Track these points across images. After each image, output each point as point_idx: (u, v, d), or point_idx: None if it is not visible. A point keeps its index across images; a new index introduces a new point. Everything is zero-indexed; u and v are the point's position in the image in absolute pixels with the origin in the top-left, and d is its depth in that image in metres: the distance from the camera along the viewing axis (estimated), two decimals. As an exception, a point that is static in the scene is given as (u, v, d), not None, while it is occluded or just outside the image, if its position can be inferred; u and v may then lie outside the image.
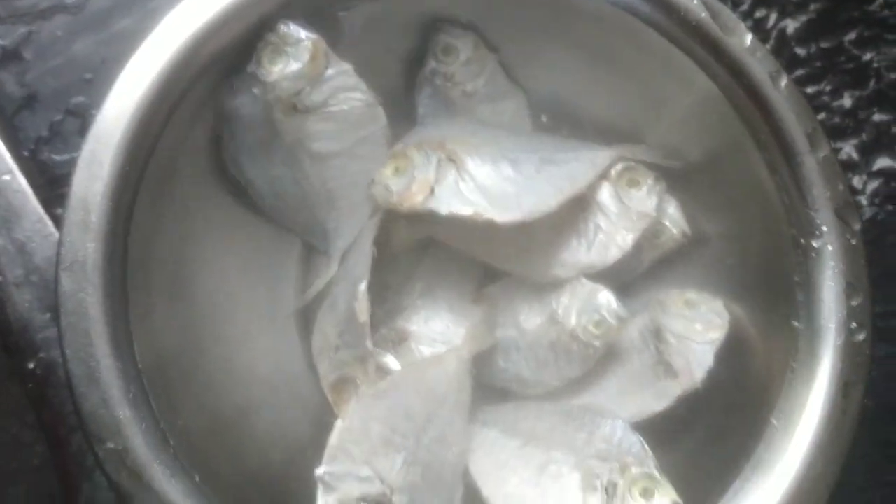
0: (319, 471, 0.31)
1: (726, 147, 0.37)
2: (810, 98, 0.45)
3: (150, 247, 0.33)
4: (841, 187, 0.34)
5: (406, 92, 0.39)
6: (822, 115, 0.45)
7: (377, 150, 0.36)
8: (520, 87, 0.40)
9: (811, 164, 0.34)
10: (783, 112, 0.35)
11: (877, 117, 0.46)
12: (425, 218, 0.34)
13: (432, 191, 0.34)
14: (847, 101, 0.46)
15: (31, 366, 0.37)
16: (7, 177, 0.39)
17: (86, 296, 0.30)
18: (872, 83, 0.46)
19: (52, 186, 0.40)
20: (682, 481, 0.33)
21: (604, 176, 0.37)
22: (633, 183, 0.37)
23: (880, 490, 0.42)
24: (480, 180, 0.34)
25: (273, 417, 0.36)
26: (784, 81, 0.35)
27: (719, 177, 0.38)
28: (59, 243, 0.30)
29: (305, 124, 0.35)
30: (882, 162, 0.45)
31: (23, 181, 0.39)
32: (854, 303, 0.33)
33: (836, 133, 0.45)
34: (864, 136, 0.45)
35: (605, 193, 0.37)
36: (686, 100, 0.37)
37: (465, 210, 0.33)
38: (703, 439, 0.35)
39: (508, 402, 0.37)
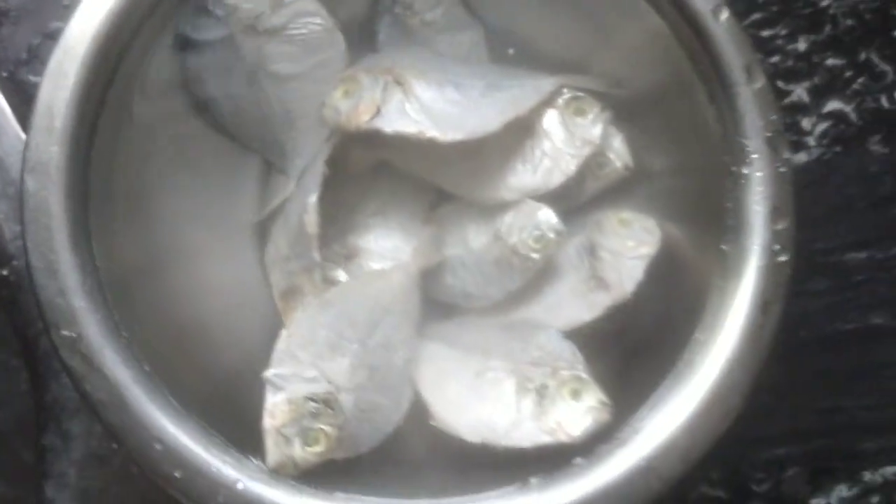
0: (267, 373, 0.33)
1: (670, 80, 0.38)
2: (765, 41, 0.47)
3: (111, 158, 0.34)
4: (773, 118, 0.36)
5: (367, 20, 0.40)
6: (776, 58, 0.47)
7: (334, 73, 0.38)
8: (477, 20, 0.41)
9: (746, 94, 0.36)
10: (722, 45, 0.36)
11: (830, 62, 0.47)
12: (373, 138, 0.36)
13: (379, 111, 0.35)
14: (801, 45, 0.47)
15: (5, 272, 0.40)
16: (-16, 96, 0.41)
17: (48, 194, 0.32)
18: (828, 28, 0.47)
19: (30, 106, 0.42)
20: (611, 388, 0.35)
21: (550, 104, 0.38)
22: (580, 111, 0.38)
23: (810, 415, 0.44)
24: (425, 102, 0.36)
25: (227, 324, 0.38)
26: (724, 15, 0.36)
27: (664, 111, 0.39)
28: (25, 147, 0.32)
29: (266, 46, 0.37)
30: (832, 105, 0.47)
31: (1, 101, 0.41)
32: (779, 227, 0.35)
33: (788, 75, 0.47)
34: (816, 80, 0.47)
35: (552, 120, 0.38)
36: (632, 33, 0.39)
37: (409, 128, 0.35)
38: (633, 351, 0.37)
39: (452, 319, 0.39)
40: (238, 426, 0.33)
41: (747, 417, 0.43)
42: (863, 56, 0.47)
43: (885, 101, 0.47)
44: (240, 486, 0.30)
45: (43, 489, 0.38)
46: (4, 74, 0.42)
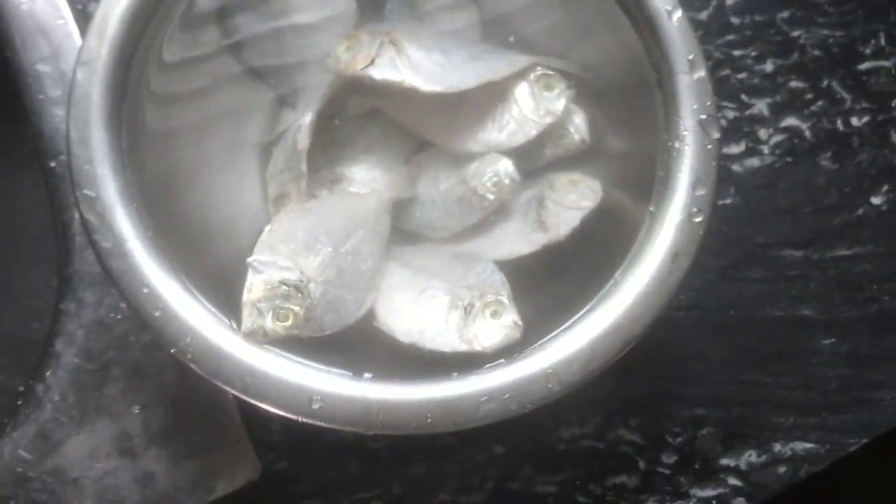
0: (250, 259, 0.39)
1: (630, 70, 0.44)
2: (735, 59, 0.53)
3: (146, 71, 0.42)
4: (708, 103, 0.41)
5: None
6: (742, 75, 0.53)
7: (344, 29, 0.44)
8: (475, 6, 0.48)
9: (686, 81, 0.41)
10: (672, 39, 0.42)
11: (793, 84, 0.53)
12: (366, 84, 0.42)
13: (372, 62, 0.41)
14: (769, 67, 0.53)
15: (53, 164, 0.48)
16: (61, 21, 0.49)
17: (92, 85, 0.39)
18: (795, 55, 0.53)
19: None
20: (534, 316, 0.40)
21: (523, 77, 0.44)
22: (548, 87, 0.44)
23: (732, 385, 0.49)
24: (414, 60, 0.42)
25: (227, 226, 0.44)
26: (677, 15, 0.42)
27: (622, 98, 0.45)
28: (80, 47, 0.40)
29: (291, -1, 0.45)
30: (789, 121, 0.52)
31: (73, 27, 0.49)
32: (698, 193, 0.40)
33: (752, 91, 0.52)
34: (777, 98, 0.52)
35: (522, 91, 0.44)
36: (604, 29, 0.45)
37: (394, 77, 0.41)
38: (563, 288, 0.42)
39: (413, 245, 0.45)
40: (219, 298, 0.38)
41: (675, 379, 0.48)
42: (825, 83, 0.52)
43: (840, 124, 0.52)
44: (205, 332, 0.37)
45: (53, 343, 0.45)
46: (79, 7, 0.50)
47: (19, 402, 0.44)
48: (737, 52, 0.53)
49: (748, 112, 0.52)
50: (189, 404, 0.45)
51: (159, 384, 0.45)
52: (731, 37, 0.53)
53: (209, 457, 0.44)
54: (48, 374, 0.44)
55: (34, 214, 0.60)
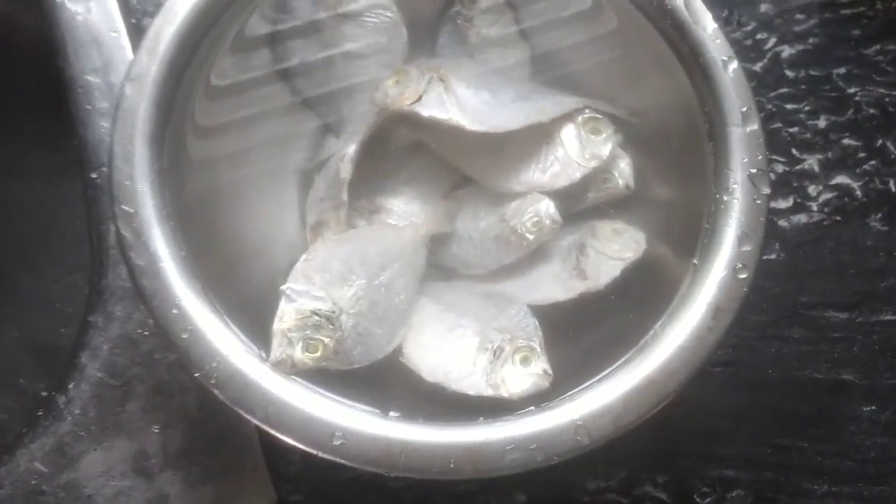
0: (284, 286, 0.39)
1: (680, 118, 0.43)
2: (788, 113, 0.52)
3: (195, 92, 0.42)
4: (759, 157, 0.40)
5: (432, 24, 0.47)
6: (794, 129, 0.51)
7: (394, 61, 0.44)
8: (526, 43, 0.47)
9: (738, 134, 0.41)
10: (726, 91, 0.41)
11: (846, 141, 0.51)
12: (412, 120, 0.42)
13: (420, 98, 0.41)
14: (822, 123, 0.52)
15: (94, 175, 0.48)
16: (114, 34, 0.50)
17: (139, 101, 0.39)
18: (850, 112, 0.52)
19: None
20: (566, 364, 0.39)
21: (571, 119, 0.44)
22: (595, 130, 0.44)
23: (765, 447, 0.47)
24: (461, 98, 0.42)
25: (263, 250, 0.44)
26: (733, 66, 0.42)
27: (670, 147, 0.44)
28: (131, 63, 0.40)
29: (342, 26, 0.44)
30: (840, 178, 0.51)
31: (125, 40, 0.50)
32: (744, 248, 0.39)
33: (804, 146, 0.51)
34: (829, 154, 0.51)
35: (569, 133, 0.44)
36: (657, 76, 0.44)
37: (441, 115, 0.41)
38: (599, 340, 0.42)
39: (446, 281, 0.45)
40: (249, 324, 0.38)
41: (706, 436, 0.47)
42: (879, 142, 0.51)
43: (892, 185, 0.51)
44: (232, 358, 0.36)
45: (79, 356, 0.45)
46: (133, 21, 0.51)
47: (39, 413, 0.44)
48: (790, 106, 0.51)
49: (798, 167, 0.51)
50: (209, 428, 0.44)
51: (181, 405, 0.44)
52: (784, 90, 0.52)
53: (225, 483, 0.43)
54: (71, 385, 0.44)
55: (72, 221, 0.61)
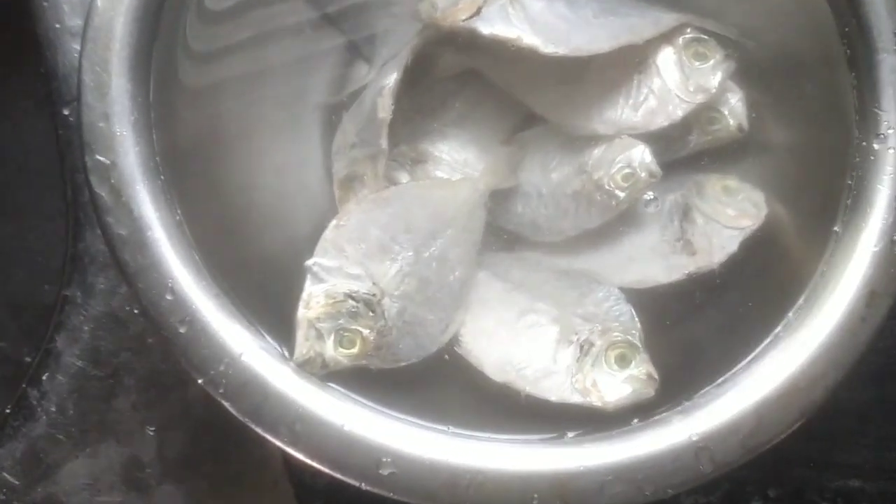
0: (310, 262, 0.31)
1: (809, 40, 0.36)
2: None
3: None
4: (921, 93, 0.32)
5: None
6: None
7: (442, -35, 0.36)
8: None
9: (892, 63, 0.33)
10: (873, 5, 0.33)
11: None
12: (467, 40, 0.34)
13: (479, 11, 0.34)
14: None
15: (66, 112, 0.40)
16: (86, -68, 0.40)
17: (115, 14, 0.30)
18: None
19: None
20: (674, 362, 0.32)
21: (669, 40, 0.36)
22: (700, 56, 0.36)
23: (894, 454, 0.40)
24: (531, 11, 0.34)
25: (278, 207, 0.37)
26: (880, -27, 0.33)
27: (795, 77, 0.37)
28: (104, -36, 0.31)
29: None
30: None
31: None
32: (903, 212, 0.31)
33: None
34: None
35: (667, 59, 0.36)
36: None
37: (507, 33, 0.33)
38: (710, 331, 0.34)
39: (511, 252, 0.37)
40: (266, 311, 0.30)
41: (826, 439, 0.40)
42: None
43: None
44: (245, 358, 0.28)
45: (54, 339, 0.37)
46: (109, -83, 0.41)
47: (7, 410, 0.36)
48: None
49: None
50: (217, 430, 0.37)
51: (181, 400, 0.38)
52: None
53: (237, 499, 0.36)
54: (45, 377, 0.37)
55: (48, 164, 0.54)
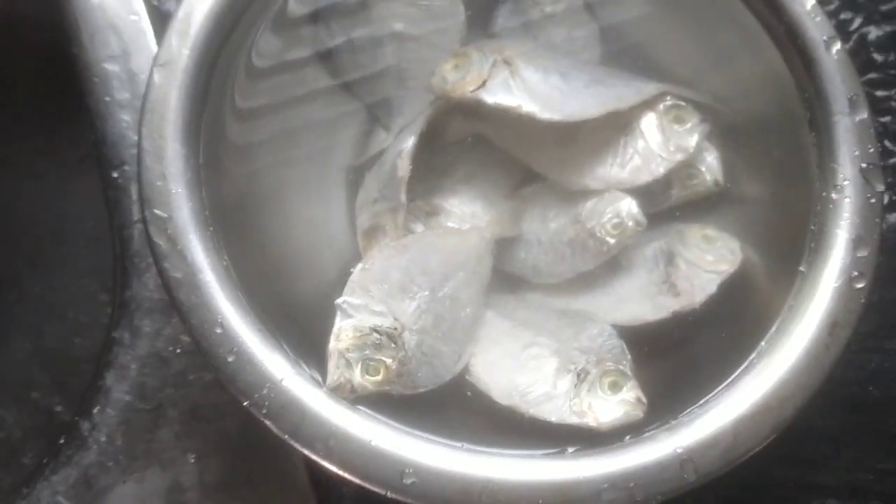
0: (339, 300, 0.35)
1: (775, 106, 0.39)
2: (878, 100, 0.47)
3: (231, 78, 0.37)
4: (871, 150, 0.36)
5: (489, 3, 0.43)
6: (886, 119, 0.47)
7: (450, 43, 0.40)
8: (595, 20, 0.43)
9: (846, 124, 0.37)
10: (830, 74, 0.37)
11: (944, 131, 0.47)
12: (474, 108, 0.38)
13: (484, 84, 0.37)
14: (915, 111, 0.47)
15: (115, 175, 0.43)
16: (134, 17, 0.45)
17: (170, 89, 0.34)
18: (945, 99, 0.47)
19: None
20: (658, 390, 0.35)
21: (651, 107, 0.40)
22: (679, 119, 0.40)
23: (868, 474, 0.43)
24: (530, 82, 0.38)
25: (308, 257, 0.40)
26: (837, 47, 0.37)
27: (764, 138, 0.40)
28: (159, 45, 0.35)
29: (392, 5, 0.40)
30: (939, 172, 0.46)
31: (146, 24, 0.45)
32: (860, 254, 0.35)
33: (897, 138, 0.47)
34: (924, 144, 0.46)
35: (650, 123, 0.40)
36: (745, 58, 0.40)
37: (509, 102, 0.37)
38: (693, 359, 0.37)
39: (514, 294, 0.40)
40: (302, 343, 0.34)
41: (803, 463, 0.43)
42: (980, 131, 0.47)
43: None
44: (286, 383, 0.32)
45: (104, 376, 0.40)
46: (154, 3, 0.46)
47: (62, 441, 0.39)
48: (879, 93, 0.47)
49: (892, 160, 0.46)
50: (250, 457, 0.40)
51: (219, 430, 0.40)
52: (873, 75, 0.47)
53: (270, 518, 0.39)
54: (95, 410, 0.40)
55: (85, 222, 0.57)
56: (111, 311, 0.42)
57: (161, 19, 0.46)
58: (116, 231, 0.42)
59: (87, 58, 0.44)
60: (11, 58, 0.54)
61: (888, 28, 0.48)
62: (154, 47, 0.45)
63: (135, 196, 0.43)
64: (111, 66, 0.44)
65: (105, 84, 0.44)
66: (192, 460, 0.40)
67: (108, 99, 0.44)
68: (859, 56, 0.47)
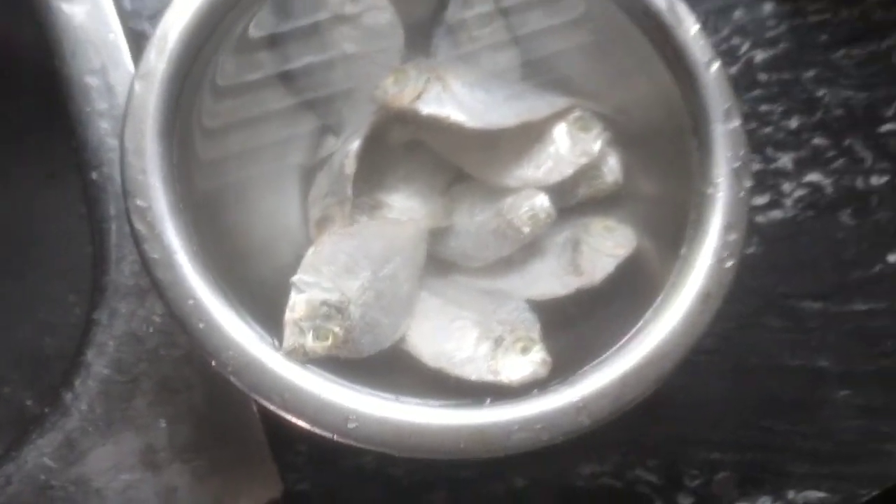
0: (294, 278, 0.40)
1: (665, 116, 0.45)
2: (762, 114, 0.54)
3: (199, 89, 0.43)
4: (742, 152, 0.42)
5: (426, 26, 0.48)
6: (768, 129, 0.54)
7: (391, 61, 0.46)
8: (516, 46, 0.49)
9: (721, 130, 0.43)
10: (709, 89, 0.43)
11: (817, 141, 0.54)
12: (410, 117, 0.43)
13: (419, 96, 0.43)
14: (793, 123, 0.54)
15: (94, 176, 0.48)
16: (112, 36, 0.50)
17: (149, 96, 0.39)
18: (819, 113, 0.54)
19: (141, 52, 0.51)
20: (565, 350, 0.41)
21: (561, 117, 0.46)
22: (584, 128, 0.46)
23: (750, 430, 0.50)
24: (458, 96, 0.43)
25: (268, 244, 0.45)
26: (715, 66, 0.44)
27: (656, 143, 0.46)
28: (139, 59, 0.41)
29: (341, 27, 0.45)
30: (812, 176, 0.53)
31: (123, 43, 0.51)
32: (729, 238, 0.41)
33: (778, 145, 0.54)
34: (801, 153, 0.54)
35: (560, 131, 0.46)
36: (642, 76, 0.46)
37: (440, 112, 0.42)
38: (593, 329, 0.43)
39: (445, 277, 0.46)
40: (262, 314, 0.39)
41: (691, 421, 0.49)
42: (847, 142, 0.54)
43: (860, 182, 0.53)
44: (247, 346, 0.37)
45: (84, 353, 0.45)
46: (132, 26, 0.51)
47: (46, 410, 0.45)
48: (763, 108, 0.54)
49: (773, 165, 0.53)
50: (215, 421, 0.45)
51: (187, 399, 0.45)
52: (758, 92, 0.54)
53: (232, 474, 0.44)
54: (77, 382, 0.45)
55: (53, 228, 0.61)
56: (91, 294, 0.47)
57: (134, 38, 0.51)
58: (96, 225, 0.47)
59: (68, 71, 0.50)
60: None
61: (772, 51, 0.55)
62: (129, 62, 0.50)
63: (111, 193, 0.48)
64: (91, 79, 0.49)
65: (85, 95, 0.49)
66: (164, 425, 0.45)
67: (88, 109, 0.49)
68: (746, 76, 0.55)
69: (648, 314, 0.41)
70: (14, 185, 0.63)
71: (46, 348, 0.59)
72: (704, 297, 0.40)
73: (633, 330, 0.40)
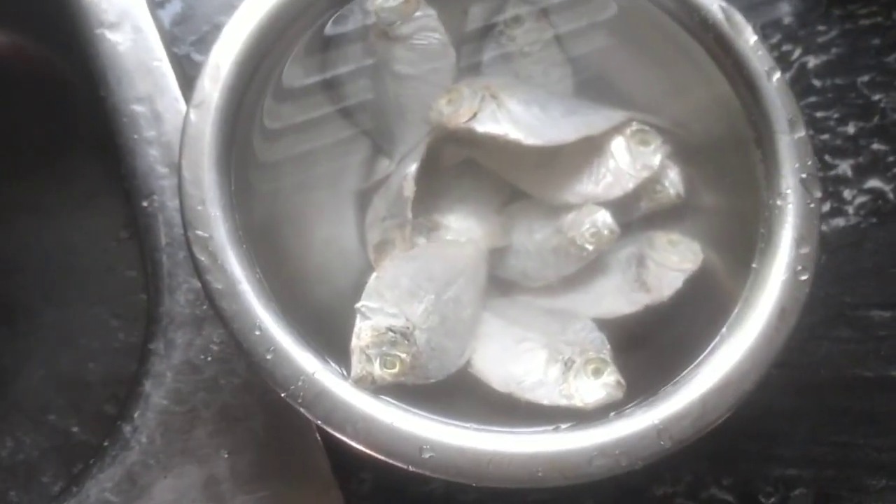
0: (359, 304, 0.39)
1: (726, 128, 0.45)
2: (818, 121, 0.53)
3: (255, 116, 0.42)
4: (809, 162, 0.42)
5: (477, 43, 0.48)
6: (825, 136, 0.53)
7: (443, 80, 0.45)
8: (568, 60, 0.49)
9: (787, 141, 0.42)
10: (771, 100, 0.43)
11: (875, 146, 0.53)
12: (467, 138, 0.43)
13: (474, 115, 0.42)
14: (851, 129, 0.53)
15: (145, 204, 0.48)
16: (158, 63, 0.50)
17: (205, 125, 0.39)
18: (877, 118, 0.53)
19: (191, 79, 0.51)
20: (638, 370, 0.40)
21: (620, 131, 0.45)
22: (644, 142, 0.45)
23: (823, 446, 0.48)
24: (514, 113, 0.43)
25: (325, 269, 0.45)
26: (776, 76, 0.43)
27: (718, 156, 0.46)
28: (193, 88, 0.40)
29: (392, 49, 0.45)
30: (872, 182, 0.52)
31: (168, 69, 0.50)
32: (802, 251, 0.40)
33: (836, 152, 0.53)
34: (860, 159, 0.53)
35: (619, 145, 0.45)
36: (701, 88, 0.46)
37: (497, 131, 0.42)
38: (666, 346, 0.43)
39: (507, 296, 0.45)
40: (328, 342, 0.38)
41: (765, 437, 0.48)
42: (906, 146, 0.53)
43: (922, 187, 0.52)
44: (317, 376, 0.36)
45: (142, 384, 0.45)
46: (176, 51, 0.51)
47: (105, 443, 0.44)
48: (819, 114, 0.53)
49: (832, 172, 0.52)
50: (277, 450, 0.44)
51: (248, 429, 0.44)
52: (813, 99, 0.53)
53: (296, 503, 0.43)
54: (136, 414, 0.44)
55: (94, 254, 0.61)
56: (146, 325, 0.46)
57: (178, 62, 0.51)
58: (148, 255, 0.47)
59: (114, 99, 0.49)
60: (12, 100, 0.59)
61: (824, 57, 0.54)
62: (175, 89, 0.50)
63: (162, 221, 0.48)
64: (138, 107, 0.49)
65: (133, 123, 0.49)
66: (225, 456, 0.44)
67: (136, 136, 0.49)
68: (800, 82, 0.54)
69: (724, 331, 0.40)
70: (48, 214, 0.63)
71: (90, 374, 0.59)
72: (780, 312, 0.39)
73: (709, 348, 0.40)
